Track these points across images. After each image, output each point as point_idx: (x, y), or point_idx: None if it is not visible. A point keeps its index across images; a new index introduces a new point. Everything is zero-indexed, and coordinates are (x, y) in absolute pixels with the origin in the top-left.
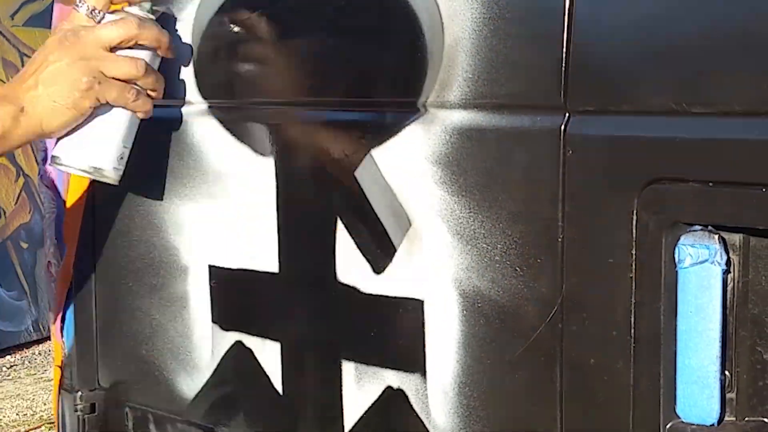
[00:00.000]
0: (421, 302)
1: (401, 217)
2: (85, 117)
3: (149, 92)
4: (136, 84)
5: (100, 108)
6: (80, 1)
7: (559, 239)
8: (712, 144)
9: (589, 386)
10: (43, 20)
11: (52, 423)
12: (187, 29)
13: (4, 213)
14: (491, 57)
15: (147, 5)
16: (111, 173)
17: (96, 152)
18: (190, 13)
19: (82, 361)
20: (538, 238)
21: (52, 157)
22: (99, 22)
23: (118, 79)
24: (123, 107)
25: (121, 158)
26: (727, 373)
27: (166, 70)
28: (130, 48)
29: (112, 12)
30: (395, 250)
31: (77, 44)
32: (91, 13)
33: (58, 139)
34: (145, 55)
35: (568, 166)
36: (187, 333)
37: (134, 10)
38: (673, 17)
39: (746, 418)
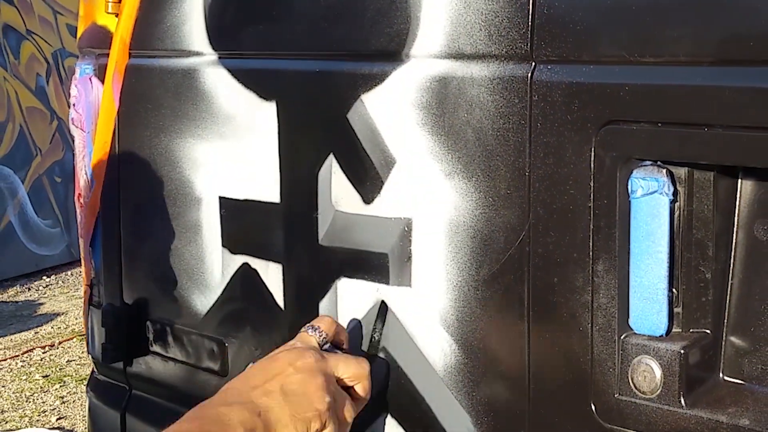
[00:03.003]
0: (406, 229)
1: (388, 154)
2: None
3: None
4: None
5: None
6: (313, 329)
7: (527, 174)
8: (661, 89)
9: (553, 302)
10: None
11: (83, 335)
12: None
13: (40, 151)
14: (466, 12)
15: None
16: None
17: None
18: None
19: (108, 281)
20: (507, 172)
21: None
22: (324, 347)
23: (340, 418)
24: None
25: None
26: (674, 290)
27: (181, 25)
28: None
29: (335, 345)
30: (383, 184)
31: (320, 363)
32: (321, 337)
33: None
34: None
35: (534, 110)
36: (200, 256)
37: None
38: None
39: (691, 330)
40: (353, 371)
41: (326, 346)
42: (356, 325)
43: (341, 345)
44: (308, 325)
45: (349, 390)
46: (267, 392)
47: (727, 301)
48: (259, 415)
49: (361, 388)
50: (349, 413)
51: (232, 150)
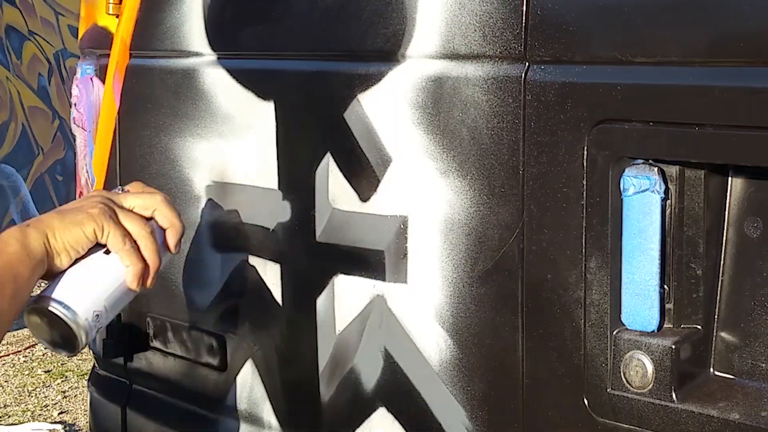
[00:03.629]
0: (402, 227)
1: (384, 153)
2: (88, 242)
3: (144, 257)
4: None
5: (98, 262)
6: (121, 188)
7: (521, 172)
8: (652, 89)
9: (547, 298)
10: None
11: None
12: None
13: (42, 150)
14: (461, 13)
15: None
16: (79, 323)
17: (74, 298)
18: None
19: None
20: (502, 171)
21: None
22: None
23: (123, 227)
24: (115, 261)
25: (97, 317)
26: (665, 286)
27: (181, 26)
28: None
29: None
30: (379, 182)
31: (101, 193)
32: (122, 191)
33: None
34: (154, 224)
35: (528, 109)
36: (199, 253)
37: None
38: None
39: (682, 325)
40: (141, 201)
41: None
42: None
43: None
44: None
45: (140, 217)
46: (39, 219)
47: (718, 298)
48: (28, 226)
49: (161, 215)
50: (137, 227)
51: (231, 149)
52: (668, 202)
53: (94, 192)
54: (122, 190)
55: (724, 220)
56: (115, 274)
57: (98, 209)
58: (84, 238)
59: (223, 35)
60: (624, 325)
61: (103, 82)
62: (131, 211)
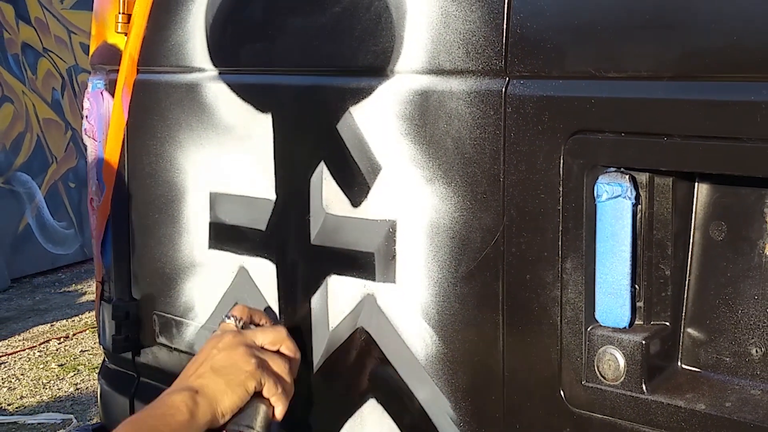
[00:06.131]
0: (391, 231)
1: (374, 162)
2: (249, 397)
3: (285, 394)
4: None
5: (250, 403)
6: (228, 317)
7: (501, 179)
8: (624, 102)
9: (526, 297)
10: (87, 4)
11: (95, 328)
12: (201, 9)
13: (56, 159)
14: (446, 31)
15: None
16: None
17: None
18: None
19: (118, 277)
20: (484, 178)
21: None
22: (242, 328)
23: (274, 373)
24: (267, 401)
25: None
26: (636, 286)
27: (185, 44)
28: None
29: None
30: (370, 189)
31: (238, 338)
32: (237, 321)
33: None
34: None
35: (508, 121)
36: (203, 255)
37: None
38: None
39: (651, 322)
40: (271, 337)
41: (242, 327)
42: (269, 308)
43: (258, 323)
44: (224, 315)
45: (277, 353)
46: (200, 375)
47: (685, 296)
48: (197, 393)
49: (286, 349)
50: (282, 368)
51: (232, 158)
52: (639, 207)
53: (229, 334)
54: (231, 317)
55: (691, 224)
56: (264, 411)
57: (253, 365)
58: (246, 395)
59: (224, 52)
60: (598, 321)
61: (113, 96)
62: (268, 350)
